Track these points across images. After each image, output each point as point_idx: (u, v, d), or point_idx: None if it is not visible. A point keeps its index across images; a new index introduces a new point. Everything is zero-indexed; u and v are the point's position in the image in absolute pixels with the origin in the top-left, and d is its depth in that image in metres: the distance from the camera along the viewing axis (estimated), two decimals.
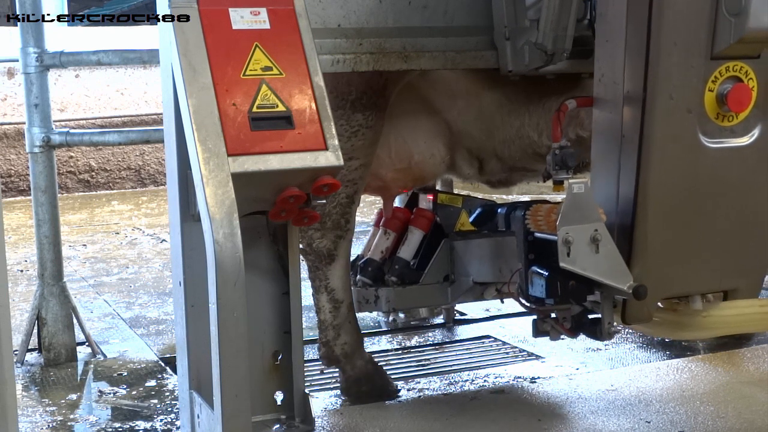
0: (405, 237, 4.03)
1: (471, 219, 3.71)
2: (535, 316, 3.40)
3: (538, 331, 3.38)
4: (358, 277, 4.04)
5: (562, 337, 3.41)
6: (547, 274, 3.12)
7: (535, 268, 3.17)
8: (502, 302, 3.88)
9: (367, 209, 8.54)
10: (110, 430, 3.73)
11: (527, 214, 3.20)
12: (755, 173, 3.15)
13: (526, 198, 3.73)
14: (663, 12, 2.90)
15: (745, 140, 3.11)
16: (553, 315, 3.34)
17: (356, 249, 3.90)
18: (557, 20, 3.38)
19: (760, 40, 2.95)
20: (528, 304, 3.34)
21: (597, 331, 3.22)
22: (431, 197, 4.07)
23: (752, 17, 2.85)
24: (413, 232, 4.02)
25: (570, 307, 3.24)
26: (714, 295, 3.36)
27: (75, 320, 4.59)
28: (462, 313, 5.05)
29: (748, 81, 3.04)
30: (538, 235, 3.16)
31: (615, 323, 3.19)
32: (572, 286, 3.09)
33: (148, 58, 4.54)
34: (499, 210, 3.44)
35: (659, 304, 3.28)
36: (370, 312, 4.19)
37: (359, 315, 4.05)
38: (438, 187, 4.73)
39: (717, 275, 3.24)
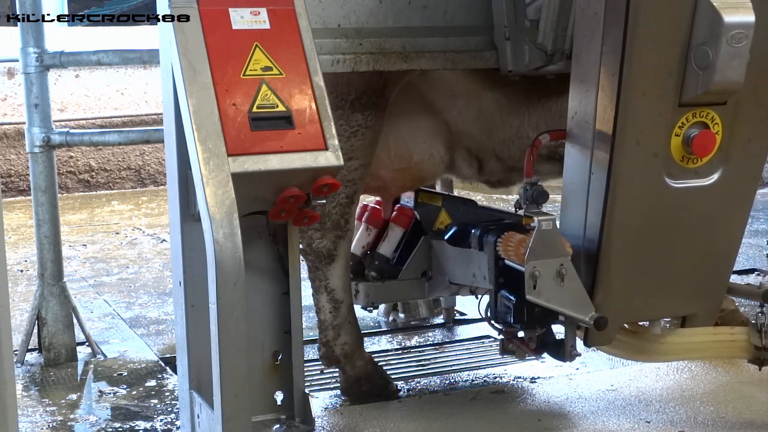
0: (386, 234, 4.14)
1: (446, 237, 3.79)
2: (501, 336, 3.52)
3: (504, 351, 3.51)
4: None
5: (527, 356, 3.55)
6: (514, 300, 3.27)
7: (503, 293, 3.33)
8: (477, 297, 3.95)
9: None
10: (110, 430, 3.73)
11: (499, 241, 3.31)
12: (715, 210, 3.31)
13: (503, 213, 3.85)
14: (634, 63, 3.00)
15: (707, 181, 3.25)
16: (518, 336, 3.46)
17: None
18: (557, 20, 3.40)
19: (726, 91, 3.07)
20: (497, 326, 3.46)
21: (560, 353, 3.38)
22: (412, 195, 4.15)
23: (719, 71, 2.96)
24: (393, 229, 4.12)
25: (536, 330, 3.38)
26: (673, 321, 3.60)
27: (75, 320, 4.59)
28: (462, 313, 5.05)
29: (714, 126, 3.17)
30: (507, 262, 3.30)
31: (576, 346, 3.37)
32: (538, 312, 3.24)
33: (148, 58, 4.54)
34: (472, 231, 3.53)
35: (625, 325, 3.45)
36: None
37: (359, 315, 4.05)
38: (438, 188, 4.74)
39: (676, 302, 3.42)
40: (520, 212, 3.28)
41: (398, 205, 4.17)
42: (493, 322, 3.44)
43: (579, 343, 3.39)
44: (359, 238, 4.18)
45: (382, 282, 4.07)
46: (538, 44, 3.44)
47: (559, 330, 3.40)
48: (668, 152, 3.14)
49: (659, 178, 3.16)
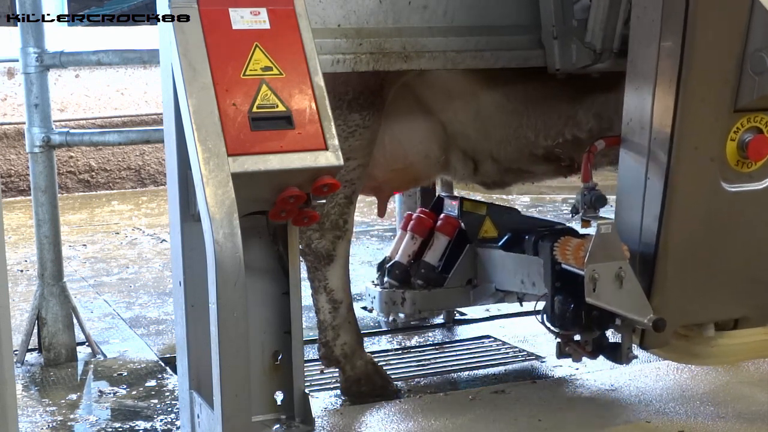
0: (431, 242, 4.18)
1: (500, 243, 3.84)
2: (557, 339, 3.53)
3: (560, 353, 3.51)
4: (386, 279, 4.23)
5: (584, 358, 3.54)
6: (572, 304, 3.30)
7: (560, 297, 3.35)
8: (521, 305, 4.01)
9: (367, 209, 8.54)
10: (110, 430, 3.73)
11: (556, 246, 3.34)
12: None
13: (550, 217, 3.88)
14: (692, 69, 3.07)
15: (761, 184, 3.31)
16: (575, 339, 3.48)
17: (356, 249, 3.91)
18: (606, 19, 3.43)
19: None
20: (554, 329, 3.46)
21: (617, 356, 3.41)
22: (456, 203, 4.19)
23: None
24: (439, 238, 4.15)
25: (593, 332, 3.41)
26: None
27: (75, 320, 4.59)
28: (462, 313, 5.05)
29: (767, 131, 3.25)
30: (564, 266, 3.32)
31: (633, 349, 3.39)
32: (595, 315, 3.28)
33: (148, 58, 4.54)
34: (526, 237, 3.57)
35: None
36: (397, 313, 4.34)
37: (359, 315, 4.05)
38: (438, 188, 4.74)
39: (730, 304, 3.45)
40: (577, 217, 3.33)
41: (443, 214, 4.21)
42: (549, 325, 3.46)
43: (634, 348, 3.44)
44: (405, 247, 4.23)
45: (429, 290, 4.12)
46: (586, 43, 3.48)
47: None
48: (724, 157, 3.21)
49: (715, 183, 3.22)
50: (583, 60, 3.52)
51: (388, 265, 4.24)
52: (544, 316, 3.46)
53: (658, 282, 3.27)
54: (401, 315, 5.03)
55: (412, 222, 4.26)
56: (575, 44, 3.52)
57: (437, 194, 4.54)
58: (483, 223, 4.15)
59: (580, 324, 3.32)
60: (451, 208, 4.21)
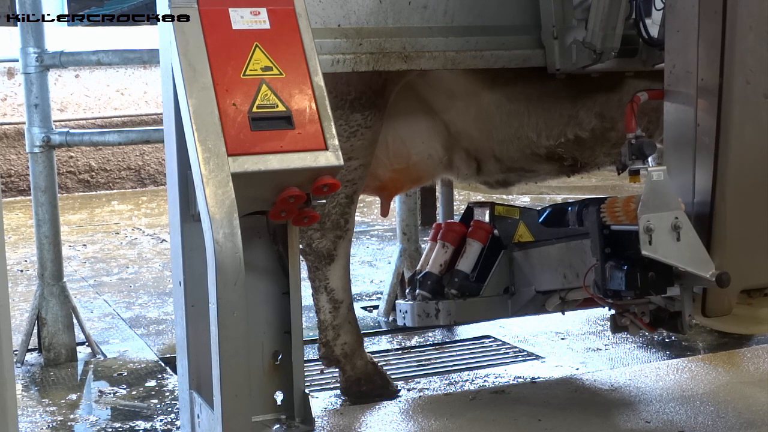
0: (463, 250, 3.93)
1: (541, 219, 3.64)
2: (611, 312, 3.35)
3: (616, 327, 3.32)
4: (417, 291, 3.96)
5: (641, 331, 3.36)
6: (625, 266, 3.07)
7: (612, 262, 3.12)
8: (563, 313, 3.82)
9: (367, 209, 8.54)
10: (110, 430, 3.73)
11: (602, 208, 3.15)
12: None
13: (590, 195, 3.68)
14: None
15: None
16: (631, 310, 3.30)
17: (356, 249, 3.89)
18: (606, 19, 3.42)
19: None
20: (606, 300, 3.25)
21: (677, 325, 3.19)
22: (487, 209, 3.98)
23: None
24: (471, 245, 3.90)
25: (648, 301, 3.20)
26: None
27: (75, 320, 4.59)
28: None
29: None
30: (614, 227, 3.12)
31: (694, 317, 3.18)
32: (652, 277, 3.04)
33: (148, 58, 4.54)
34: (569, 208, 3.39)
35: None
36: (431, 326, 4.17)
37: (359, 315, 4.04)
38: (438, 188, 4.73)
39: None
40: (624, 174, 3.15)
41: (474, 220, 3.99)
42: (601, 296, 3.23)
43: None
44: (436, 256, 3.99)
45: (464, 299, 3.86)
46: (586, 43, 3.47)
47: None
48: None
49: None
50: (583, 60, 3.52)
51: (419, 277, 3.98)
52: (595, 288, 3.23)
53: (716, 242, 3.02)
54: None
55: (442, 230, 4.00)
56: (575, 44, 3.52)
57: (467, 204, 4.21)
58: (517, 227, 3.90)
59: (636, 288, 3.05)
60: (482, 214, 3.97)
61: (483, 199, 4.21)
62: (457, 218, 4.25)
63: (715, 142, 2.99)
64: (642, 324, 3.27)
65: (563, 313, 3.83)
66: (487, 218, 3.93)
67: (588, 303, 3.62)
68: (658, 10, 3.55)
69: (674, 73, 3.12)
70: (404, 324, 4.02)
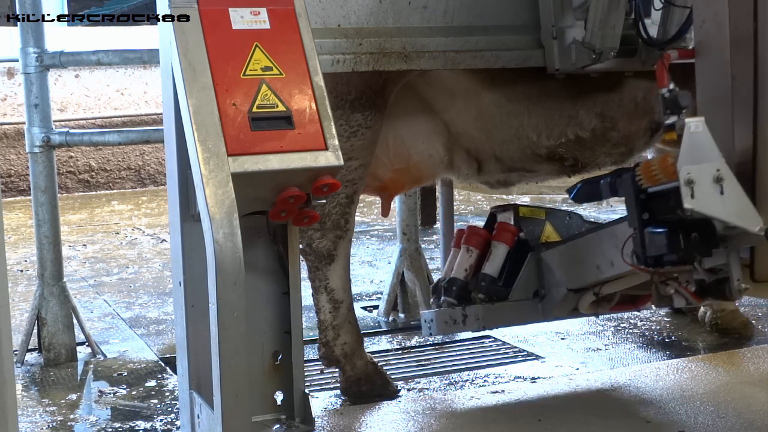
0: (489, 253, 3.80)
1: (572, 195, 3.44)
2: (653, 282, 3.16)
3: (660, 298, 3.12)
4: (443, 298, 3.84)
5: (687, 303, 3.17)
6: (665, 229, 2.91)
7: (651, 229, 2.96)
8: (597, 317, 3.71)
9: (367, 209, 8.54)
10: (110, 430, 3.73)
11: (637, 171, 2.99)
12: None
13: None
14: None
15: None
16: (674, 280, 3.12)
17: (356, 249, 3.86)
18: (606, 19, 3.41)
19: None
20: (647, 269, 3.05)
21: (725, 291, 3.01)
22: (510, 212, 3.86)
23: None
24: (497, 247, 3.78)
25: (693, 268, 3.00)
26: None
27: (75, 320, 4.59)
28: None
29: None
30: (651, 190, 2.96)
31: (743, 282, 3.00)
32: (695, 239, 2.88)
33: (148, 58, 4.54)
34: (601, 180, 3.22)
35: None
36: (457, 332, 3.98)
37: (359, 315, 4.04)
38: (438, 188, 4.73)
39: None
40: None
41: (498, 222, 3.85)
42: (642, 266, 3.05)
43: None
44: (460, 261, 3.86)
45: (492, 303, 3.72)
46: (585, 43, 3.46)
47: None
48: None
49: None
50: (582, 60, 3.51)
51: (443, 283, 3.84)
52: (635, 258, 3.04)
53: (762, 197, 2.86)
54: (401, 315, 5.05)
55: (465, 235, 3.88)
56: (574, 44, 3.52)
57: (490, 210, 4.06)
58: (544, 228, 3.77)
59: (678, 251, 2.87)
60: (506, 217, 3.83)
61: (503, 203, 4.03)
62: (457, 218, 4.24)
63: (753, 93, 2.87)
64: (688, 293, 3.07)
65: (597, 317, 3.73)
66: (511, 221, 3.80)
67: (622, 306, 3.54)
68: (657, 10, 3.55)
69: (704, 29, 2.98)
70: (430, 334, 3.91)
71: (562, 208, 4.01)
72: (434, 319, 3.81)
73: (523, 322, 3.94)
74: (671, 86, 2.96)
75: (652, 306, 3.76)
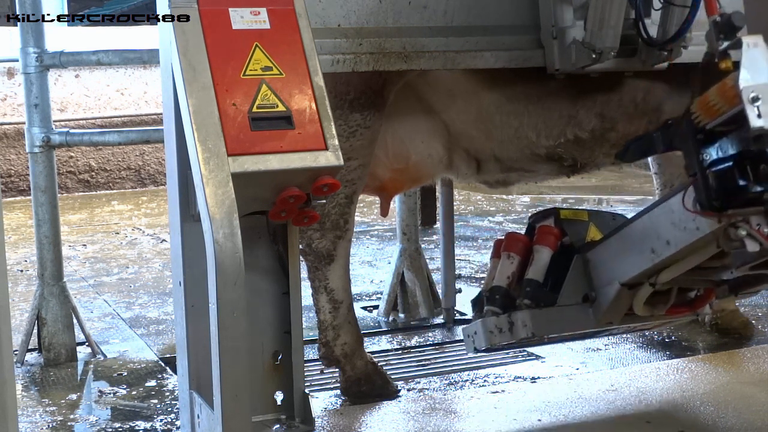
0: (531, 258, 3.56)
1: (622, 156, 3.27)
2: (725, 227, 2.87)
3: (729, 241, 2.86)
4: (486, 308, 3.57)
5: (761, 245, 2.85)
6: (731, 164, 2.71)
7: (714, 168, 2.76)
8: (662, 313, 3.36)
9: (367, 209, 8.54)
10: (110, 430, 3.73)
11: (692, 110, 2.80)
12: None
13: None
14: None
15: None
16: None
17: (356, 249, 3.85)
18: (605, 19, 3.40)
19: None
20: (714, 212, 2.82)
21: None
22: (551, 217, 3.62)
23: None
24: (540, 251, 3.53)
25: (765, 209, 2.76)
26: None
27: (75, 320, 4.59)
28: (462, 313, 5.05)
29: None
30: (711, 125, 2.77)
31: None
32: (764, 170, 2.69)
33: (148, 58, 4.54)
34: (654, 133, 3.03)
35: None
36: (503, 342, 3.57)
37: (359, 315, 4.04)
38: (438, 187, 4.72)
39: None
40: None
41: (540, 225, 3.64)
42: (708, 211, 2.81)
43: None
44: (501, 269, 3.63)
45: (540, 309, 3.44)
46: (585, 43, 3.45)
47: None
48: None
49: None
50: (582, 60, 3.51)
51: (485, 293, 3.59)
52: (697, 205, 2.82)
53: None
54: (401, 315, 5.04)
55: (505, 242, 3.64)
56: (574, 44, 3.51)
57: (528, 218, 3.81)
58: (588, 229, 3.52)
59: (750, 177, 2.67)
60: (547, 222, 3.61)
61: (542, 210, 3.71)
62: (457, 218, 4.21)
63: None
64: (761, 236, 2.79)
65: (652, 332, 3.44)
66: (553, 225, 3.58)
67: (679, 309, 3.36)
68: (657, 10, 3.55)
69: None
70: (475, 349, 3.61)
71: (605, 211, 3.82)
72: (478, 330, 3.53)
73: (575, 329, 3.56)
74: (721, 9, 2.81)
75: (710, 307, 3.54)
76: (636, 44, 3.57)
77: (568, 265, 3.44)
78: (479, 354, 4.48)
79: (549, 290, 3.46)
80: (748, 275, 3.06)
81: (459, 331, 4.84)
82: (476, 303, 3.66)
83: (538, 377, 4.11)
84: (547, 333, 3.50)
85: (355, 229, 3.96)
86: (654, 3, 3.52)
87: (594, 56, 3.46)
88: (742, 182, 2.69)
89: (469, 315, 4.98)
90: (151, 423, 3.77)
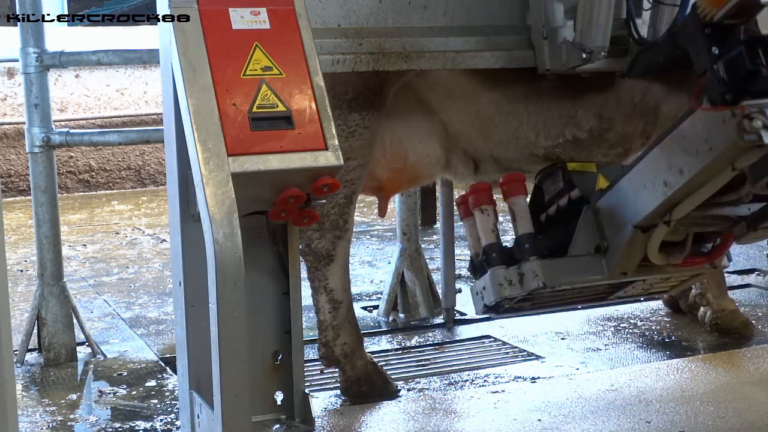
0: (511, 215, 3.38)
1: (626, 72, 3.22)
2: (734, 118, 2.66)
3: (743, 132, 2.64)
4: (490, 270, 3.32)
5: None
6: (740, 49, 2.58)
7: (725, 59, 2.63)
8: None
9: (367, 209, 8.54)
10: (110, 430, 3.73)
11: (696, 5, 2.69)
12: None
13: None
14: None
15: None
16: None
17: (356, 249, 3.84)
18: (595, 19, 3.39)
19: None
20: (727, 106, 2.66)
21: None
22: (558, 171, 3.43)
23: None
24: (516, 203, 3.38)
25: None
26: None
27: (75, 320, 4.59)
28: (462, 313, 5.05)
29: None
30: (718, 15, 2.65)
31: None
32: None
33: (148, 58, 4.54)
34: (660, 40, 2.96)
35: None
36: (513, 294, 3.30)
37: (359, 315, 4.04)
38: (438, 187, 4.71)
39: None
40: None
41: (503, 177, 3.47)
42: (721, 102, 2.65)
43: None
44: (482, 226, 3.40)
45: (549, 259, 3.23)
46: (576, 43, 3.44)
47: None
48: None
49: None
50: (573, 60, 3.47)
51: (481, 257, 3.35)
52: (707, 101, 2.69)
53: None
54: (401, 315, 5.04)
55: (470, 198, 3.47)
56: (565, 44, 3.49)
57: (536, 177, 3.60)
58: (597, 180, 3.33)
59: (760, 65, 2.54)
60: (553, 177, 3.43)
61: (548, 165, 3.55)
62: (456, 218, 4.13)
63: None
64: None
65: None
66: (562, 182, 3.39)
67: (696, 258, 3.16)
68: (647, 10, 3.54)
69: None
70: (484, 306, 3.33)
71: (612, 162, 3.69)
72: (487, 284, 3.29)
73: (587, 279, 3.28)
74: None
75: (727, 258, 3.30)
76: (627, 44, 3.56)
77: (577, 216, 3.25)
78: (479, 354, 4.48)
79: (546, 237, 3.29)
80: (764, 208, 2.92)
81: (459, 331, 4.84)
82: (474, 270, 3.45)
83: (538, 377, 4.11)
84: (559, 283, 3.26)
85: (355, 229, 3.95)
86: (644, 3, 3.51)
87: (584, 56, 3.43)
88: (753, 67, 2.56)
89: (470, 315, 5.01)
90: (151, 423, 3.77)
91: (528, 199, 3.33)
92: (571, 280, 3.27)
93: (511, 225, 3.37)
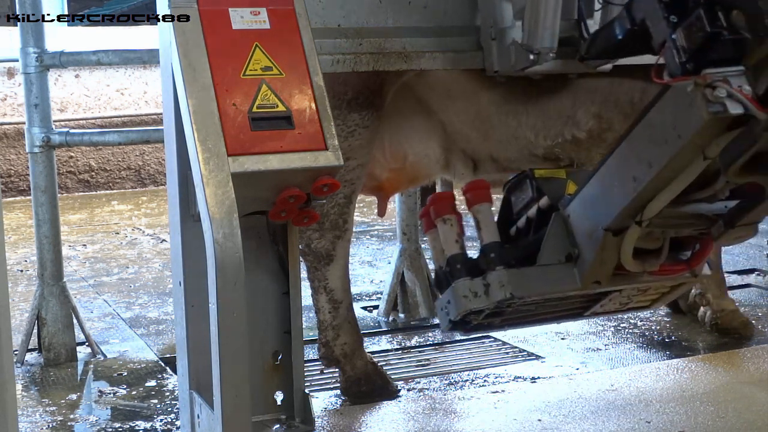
0: (476, 223, 3.18)
1: (583, 56, 3.15)
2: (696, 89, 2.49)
3: (707, 103, 2.45)
4: (454, 282, 3.11)
5: (744, 110, 2.44)
6: (699, 11, 2.45)
7: (683, 25, 2.50)
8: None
9: (367, 209, 8.54)
10: (110, 430, 3.73)
11: None
12: None
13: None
14: None
15: None
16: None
17: (356, 249, 3.83)
18: (542, 19, 3.36)
19: None
20: (688, 75, 2.50)
21: None
22: (527, 181, 3.23)
23: None
24: (479, 211, 3.18)
25: (744, 69, 2.49)
26: None
27: (75, 320, 4.59)
28: None
29: None
30: None
31: None
32: (736, 15, 2.44)
33: (148, 58, 4.54)
34: (615, 19, 2.80)
35: None
36: (479, 307, 3.11)
37: (359, 315, 4.04)
38: (438, 187, 4.72)
39: None
40: None
41: (469, 183, 3.32)
42: (683, 73, 2.51)
43: None
44: (445, 237, 3.20)
45: (517, 268, 3.03)
46: (523, 44, 3.40)
47: None
48: None
49: None
50: (521, 62, 3.42)
51: (444, 269, 3.17)
52: (668, 75, 2.56)
53: None
54: (401, 315, 5.04)
55: (432, 209, 3.29)
56: (513, 45, 3.44)
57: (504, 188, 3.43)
58: (566, 186, 3.15)
59: (720, 27, 2.42)
60: (522, 186, 3.24)
61: (514, 175, 3.39)
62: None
63: None
64: (743, 96, 2.42)
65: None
66: (530, 190, 3.21)
67: (673, 266, 2.98)
68: (597, 11, 3.52)
69: None
70: (449, 322, 3.15)
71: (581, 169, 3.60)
72: (451, 300, 3.10)
73: (558, 290, 3.09)
74: None
75: (708, 266, 3.15)
76: (578, 45, 3.53)
77: (545, 223, 3.05)
78: (479, 354, 4.48)
79: (511, 244, 3.10)
80: (741, 203, 2.76)
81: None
82: (439, 284, 3.22)
83: (538, 377, 4.11)
84: (528, 293, 3.04)
85: (355, 229, 3.95)
86: (595, 3, 3.49)
87: (532, 57, 3.38)
88: (713, 29, 2.43)
89: None
90: (151, 423, 3.77)
91: (492, 208, 3.18)
92: (541, 291, 3.06)
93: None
